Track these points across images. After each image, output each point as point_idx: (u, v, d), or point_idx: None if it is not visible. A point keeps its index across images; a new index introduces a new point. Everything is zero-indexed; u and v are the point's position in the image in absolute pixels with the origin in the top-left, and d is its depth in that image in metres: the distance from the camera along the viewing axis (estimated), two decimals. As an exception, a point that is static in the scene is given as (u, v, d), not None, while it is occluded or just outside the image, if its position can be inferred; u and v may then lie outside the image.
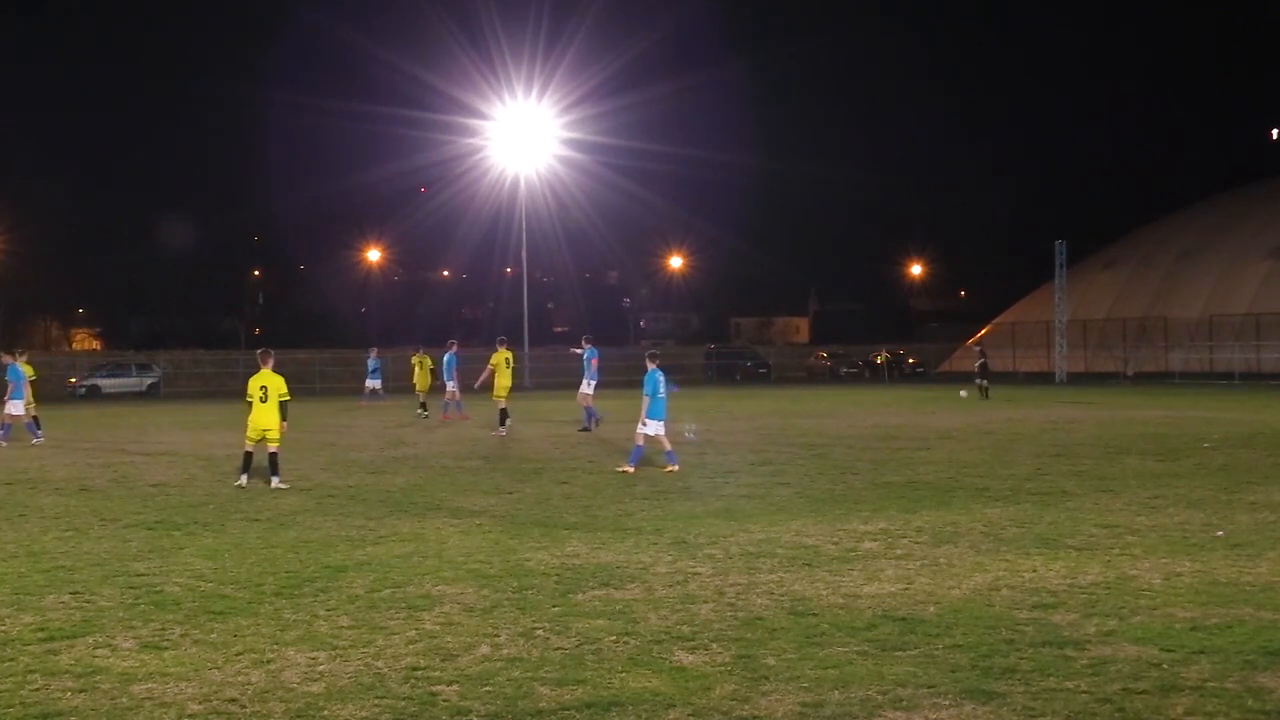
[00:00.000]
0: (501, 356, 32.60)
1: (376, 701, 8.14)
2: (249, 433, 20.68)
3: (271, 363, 20.99)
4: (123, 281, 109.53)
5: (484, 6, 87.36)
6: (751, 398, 55.39)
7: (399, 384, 48.43)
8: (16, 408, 30.32)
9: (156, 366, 72.59)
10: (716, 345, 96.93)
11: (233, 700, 8.19)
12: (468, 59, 74.33)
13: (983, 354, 53.51)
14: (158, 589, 11.76)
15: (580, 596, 11.28)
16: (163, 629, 10.14)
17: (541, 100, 70.80)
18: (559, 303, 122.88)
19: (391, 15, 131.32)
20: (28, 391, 30.77)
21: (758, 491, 19.12)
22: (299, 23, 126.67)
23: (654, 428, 21.97)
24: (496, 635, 9.85)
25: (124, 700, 8.22)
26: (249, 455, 20.92)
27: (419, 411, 40.55)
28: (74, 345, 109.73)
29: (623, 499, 18.30)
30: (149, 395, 66.08)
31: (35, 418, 30.92)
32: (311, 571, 12.60)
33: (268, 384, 20.53)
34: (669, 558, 13.26)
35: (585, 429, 31.78)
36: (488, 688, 8.41)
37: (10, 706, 8.10)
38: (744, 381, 79.81)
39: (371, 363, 47.28)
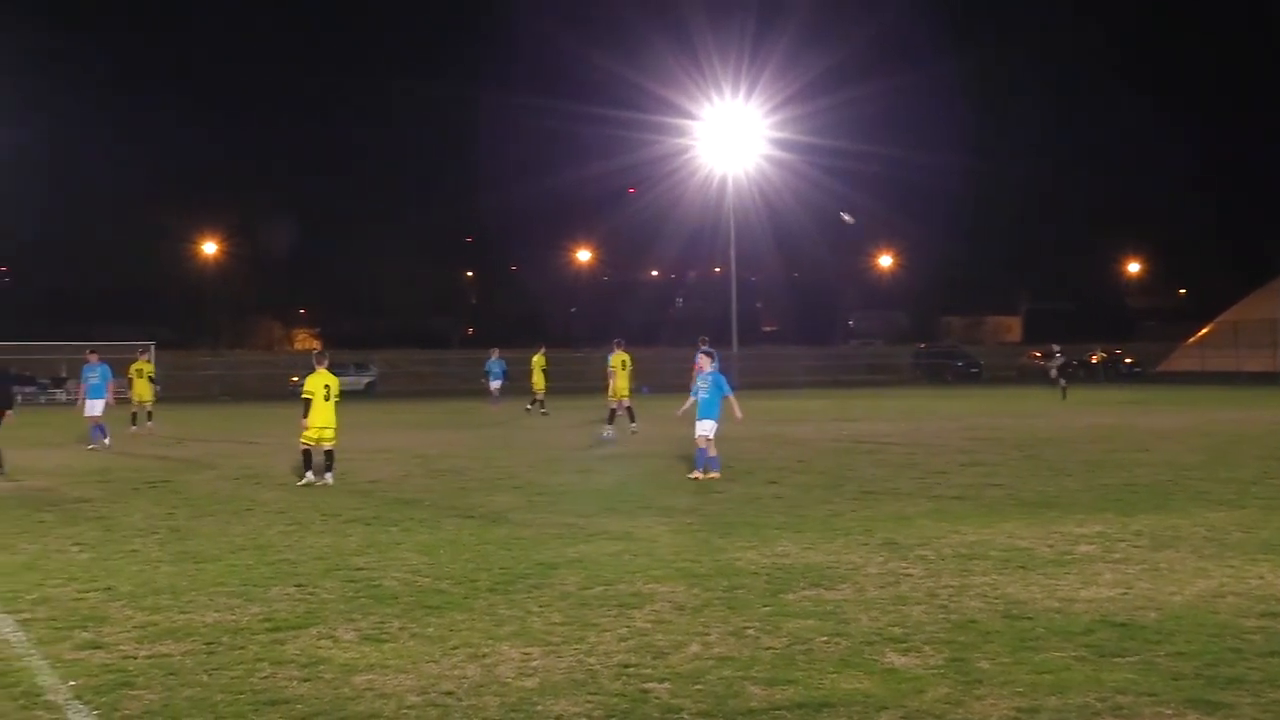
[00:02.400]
0: (619, 359, 32.77)
1: (589, 698, 8.22)
2: (308, 432, 21.18)
3: (327, 363, 21.75)
4: (340, 282, 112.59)
5: (692, 6, 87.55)
6: (961, 398, 54.52)
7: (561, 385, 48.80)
8: (95, 408, 30.58)
9: (373, 366, 74.43)
10: (926, 345, 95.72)
11: (449, 693, 8.36)
12: (676, 59, 74.50)
13: (1060, 354, 52.12)
14: (376, 583, 12.07)
15: (790, 596, 11.24)
16: (382, 622, 10.40)
17: (749, 100, 70.74)
18: (767, 302, 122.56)
19: (601, 15, 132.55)
20: (110, 392, 31.39)
21: (969, 493, 18.83)
22: (508, 23, 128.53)
23: (707, 428, 21.38)
24: (707, 634, 9.88)
25: (346, 690, 8.45)
26: (308, 454, 21.35)
27: (528, 408, 41.19)
28: (295, 345, 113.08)
29: (831, 499, 18.19)
30: (366, 394, 67.82)
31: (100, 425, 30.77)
32: (524, 568, 12.79)
33: (330, 383, 21.24)
34: (879, 558, 13.13)
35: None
36: (699, 686, 8.43)
37: (241, 693, 8.39)
38: (954, 381, 78.66)
39: (492, 364, 47.55)
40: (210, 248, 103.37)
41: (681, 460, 24.03)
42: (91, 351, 32.17)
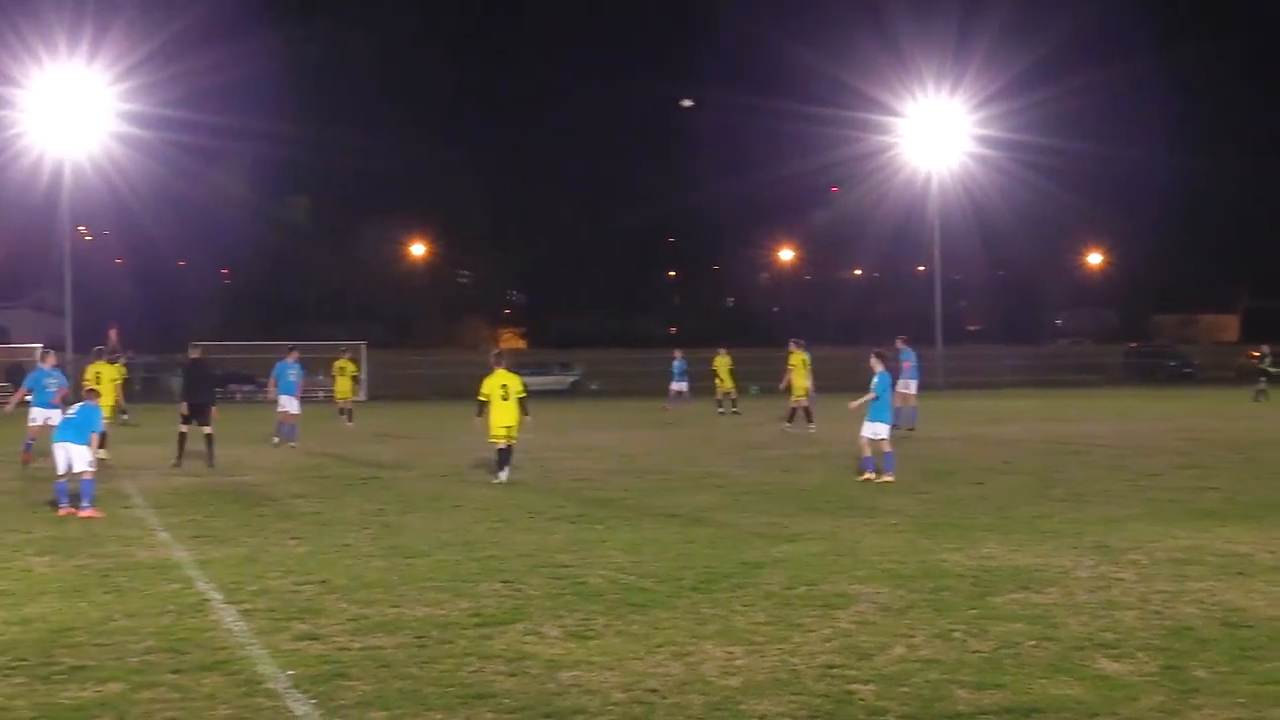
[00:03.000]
0: (799, 358, 32.51)
1: (792, 698, 8.21)
2: (493, 431, 21.48)
3: (505, 364, 22.14)
4: (544, 282, 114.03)
5: (896, 1, 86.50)
6: (1174, 398, 52.90)
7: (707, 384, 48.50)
8: (292, 405, 30.89)
9: (577, 365, 75.09)
10: (1138, 344, 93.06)
11: (654, 690, 8.42)
12: (880, 55, 73.58)
13: (1270, 353, 49.43)
14: (581, 580, 12.20)
15: (997, 599, 11.06)
16: (587, 619, 10.51)
17: (953, 96, 69.66)
18: (971, 301, 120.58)
19: (806, 11, 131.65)
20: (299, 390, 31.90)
21: (1183, 496, 18.29)
22: (713, 20, 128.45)
23: (872, 430, 20.85)
24: (912, 636, 9.78)
25: (551, 686, 8.57)
26: (502, 452, 21.53)
27: (720, 410, 41.07)
28: (500, 344, 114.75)
29: (1038, 501, 17.84)
30: (571, 393, 68.45)
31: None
32: (728, 567, 12.80)
33: (507, 383, 21.55)
34: (1089, 562, 12.84)
35: (910, 428, 31.23)
36: (904, 688, 8.36)
37: (450, 686, 8.57)
38: (1166, 382, 76.37)
39: (678, 364, 47.33)
40: (419, 249, 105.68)
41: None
42: (292, 350, 32.95)
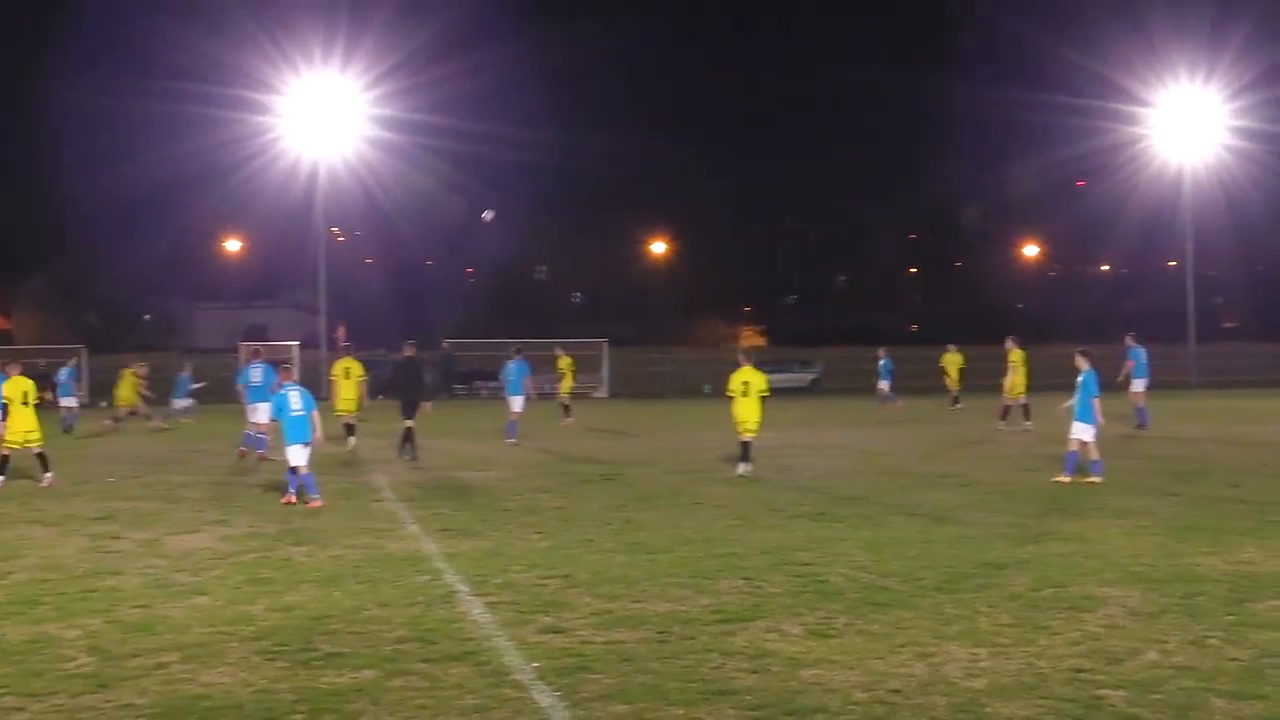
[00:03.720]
0: (1018, 355, 31.96)
1: (1039, 701, 8.04)
2: (739, 426, 21.95)
3: (751, 361, 22.59)
4: (782, 279, 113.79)
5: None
6: None
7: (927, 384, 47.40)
8: (516, 404, 31.40)
9: (817, 363, 74.71)
10: None
11: (896, 691, 8.35)
12: (1130, 42, 71.25)
13: None
14: (822, 578, 12.15)
15: (1257, 606, 10.65)
16: (828, 617, 10.46)
17: (1207, 85, 67.14)
18: (1227, 298, 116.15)
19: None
20: (529, 389, 32.19)
21: None
22: (956, 7, 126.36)
23: (1081, 431, 20.23)
24: (1165, 641, 9.48)
25: (793, 683, 8.56)
26: (745, 445, 21.93)
27: (955, 407, 40.25)
28: (741, 342, 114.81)
29: (1301, 504, 17.12)
30: (810, 391, 68.15)
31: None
32: (970, 567, 12.60)
33: (749, 380, 21.99)
34: (1356, 569, 12.28)
35: (1139, 426, 30.19)
36: (1156, 695, 8.11)
37: (691, 681, 8.63)
38: None
39: (884, 364, 46.32)
40: (659, 247, 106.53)
41: (1130, 461, 23.17)
42: (518, 350, 33.53)
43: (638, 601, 11.19)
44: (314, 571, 12.85)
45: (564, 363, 38.53)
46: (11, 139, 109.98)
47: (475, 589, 11.83)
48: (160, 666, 9.21)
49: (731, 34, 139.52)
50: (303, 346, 60.03)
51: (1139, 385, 31.11)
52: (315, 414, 18.97)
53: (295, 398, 19.04)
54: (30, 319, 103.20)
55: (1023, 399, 31.75)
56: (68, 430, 34.07)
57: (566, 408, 37.69)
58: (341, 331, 51.70)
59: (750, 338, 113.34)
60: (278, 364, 23.21)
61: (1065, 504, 17.45)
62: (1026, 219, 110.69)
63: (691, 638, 9.84)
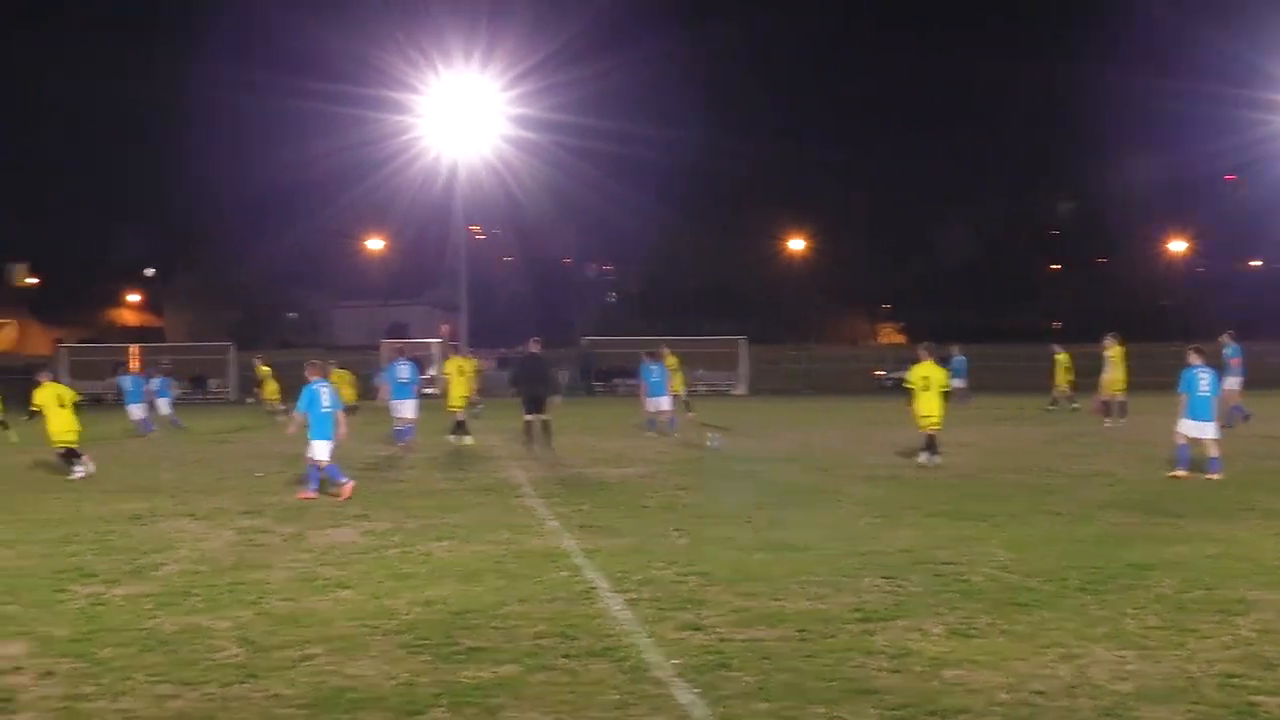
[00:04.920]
0: (1117, 351, 32.51)
1: (1190, 707, 7.87)
2: (921, 419, 22.60)
3: (932, 357, 23.19)
4: (919, 276, 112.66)
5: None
6: None
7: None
8: (659, 404, 31.77)
9: (955, 359, 73.70)
10: None
11: (1040, 693, 8.22)
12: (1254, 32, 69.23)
13: None
14: (964, 578, 12.01)
15: None
16: (969, 617, 10.34)
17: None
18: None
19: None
20: (670, 384, 32.27)
21: None
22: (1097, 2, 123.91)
23: (1191, 428, 19.92)
24: (1321, 648, 9.23)
25: (935, 684, 8.47)
26: (931, 438, 22.54)
27: (1049, 408, 39.42)
28: (879, 339, 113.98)
29: None
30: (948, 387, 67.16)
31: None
32: (1116, 568, 12.36)
33: (929, 375, 22.73)
34: None
35: (1228, 426, 29.56)
36: (1314, 702, 7.90)
37: (832, 680, 8.58)
38: None
39: (957, 361, 45.35)
40: (798, 244, 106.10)
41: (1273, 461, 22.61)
42: (649, 353, 33.68)
43: (777, 599, 11.15)
44: (455, 567, 13.00)
45: (671, 361, 38.23)
46: (159, 139, 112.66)
47: (615, 585, 11.87)
48: (307, 658, 9.38)
49: (869, 31, 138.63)
50: (457, 345, 60.78)
51: (1234, 384, 30.42)
52: (341, 413, 19.70)
53: (326, 394, 19.54)
54: (180, 317, 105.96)
55: (1120, 395, 31.84)
56: (146, 433, 34.72)
57: (686, 404, 37.63)
58: (448, 330, 52.29)
59: (889, 334, 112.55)
60: (418, 360, 24.01)
61: (1214, 505, 17.03)
62: (1173, 214, 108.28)
63: (831, 636, 9.78)
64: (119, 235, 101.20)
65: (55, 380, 23.91)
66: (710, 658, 9.22)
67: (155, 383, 38.27)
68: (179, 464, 25.46)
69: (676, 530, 15.38)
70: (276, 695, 8.48)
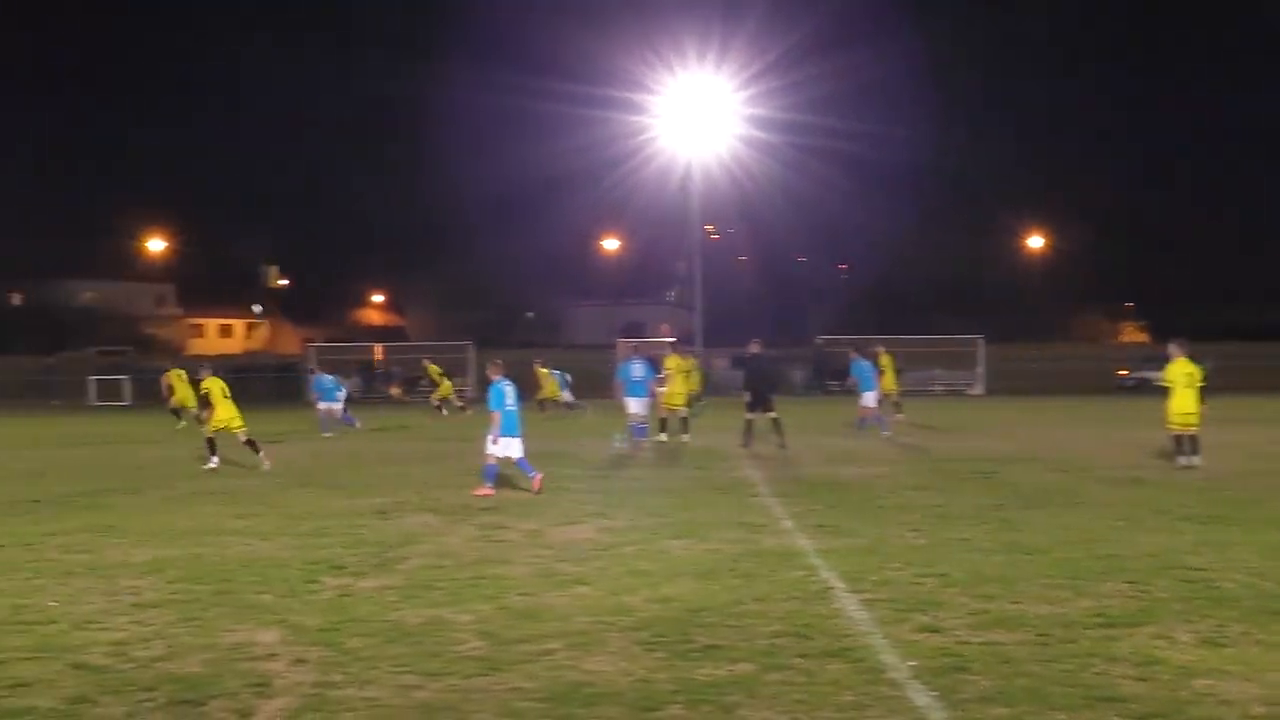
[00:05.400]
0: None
1: None
2: (1179, 418, 22.15)
3: (1184, 352, 22.56)
4: (1167, 274, 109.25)
5: None
6: None
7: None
8: (869, 400, 30.91)
9: (1207, 359, 71.27)
10: None
11: (1304, 704, 7.92)
12: None
13: None
14: (1214, 584, 11.59)
15: None
16: (1221, 625, 9.98)
17: None
18: None
19: None
20: (880, 382, 31.71)
21: None
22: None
23: None
24: None
25: (1183, 693, 8.21)
26: (1193, 439, 22.09)
27: None
28: (1122, 338, 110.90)
29: None
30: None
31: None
32: (1379, 576, 11.81)
33: (1192, 372, 22.23)
34: None
35: None
36: None
37: (1073, 686, 8.38)
38: None
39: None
40: (1035, 242, 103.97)
41: None
42: (857, 350, 33.36)
43: (1016, 602, 10.93)
44: (691, 564, 13.06)
45: (884, 360, 37.49)
46: (404, 141, 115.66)
47: (850, 586, 11.78)
48: (546, 653, 9.52)
49: (1096, 28, 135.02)
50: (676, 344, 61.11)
51: None
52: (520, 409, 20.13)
53: (511, 392, 19.81)
54: (423, 316, 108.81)
55: None
56: (329, 431, 35.88)
57: (896, 404, 36.91)
58: (666, 329, 52.45)
59: (1131, 333, 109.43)
60: (652, 360, 24.42)
61: None
62: None
63: (1072, 641, 9.55)
64: (364, 236, 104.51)
65: (215, 375, 25.81)
66: (947, 660, 9.09)
67: (328, 380, 39.67)
68: (424, 461, 26.15)
69: (913, 531, 15.19)
70: (517, 689, 8.62)
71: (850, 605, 10.97)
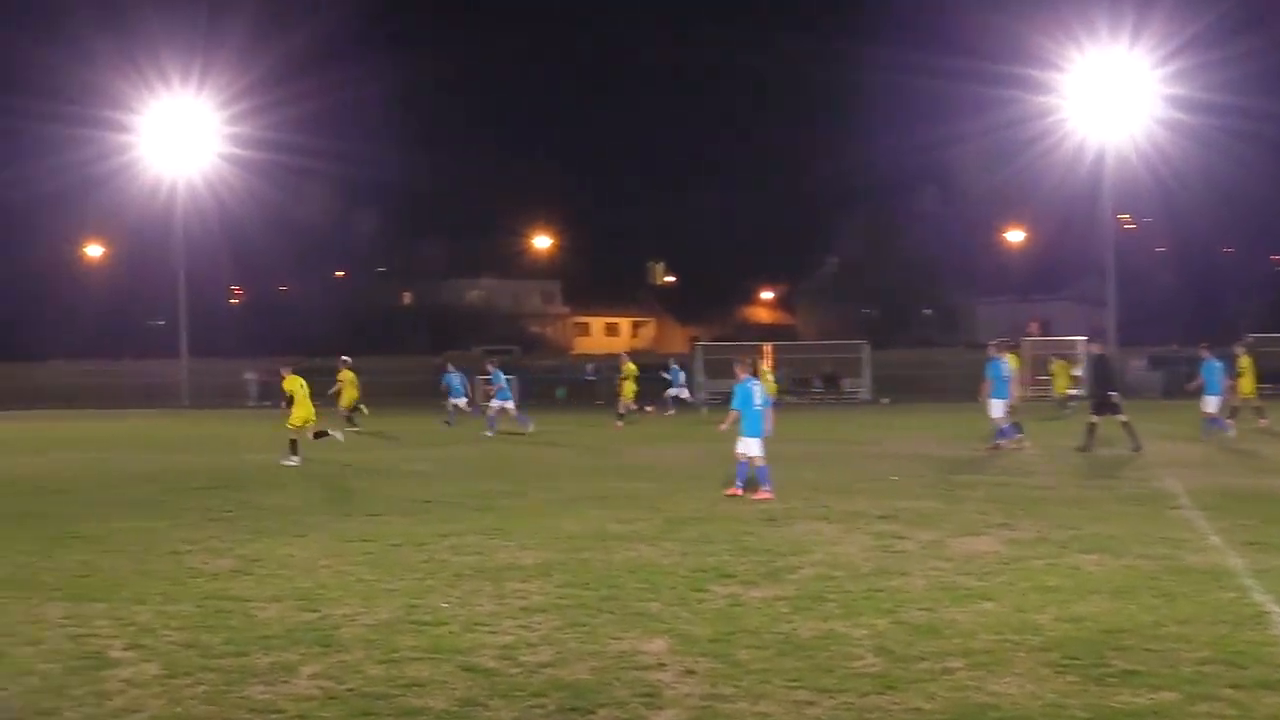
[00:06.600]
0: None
1: None
2: None
3: None
4: None
5: None
6: None
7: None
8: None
9: None
10: None
11: None
12: None
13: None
14: None
15: None
16: None
17: None
18: None
19: None
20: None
21: None
22: None
23: None
24: None
25: None
26: None
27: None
28: None
29: None
30: None
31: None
32: None
33: None
34: None
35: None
36: None
37: None
38: None
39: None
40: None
41: None
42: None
43: None
44: (1105, 582, 12.22)
45: (1244, 361, 33.63)
46: (793, 130, 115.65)
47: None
48: (946, 672, 9.05)
49: None
50: (1088, 341, 58.67)
51: None
52: (770, 410, 20.19)
53: (758, 392, 19.80)
54: (812, 314, 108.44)
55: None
56: (450, 424, 38.54)
57: (1258, 409, 33.59)
58: (1036, 328, 50.20)
59: None
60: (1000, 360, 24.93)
61: None
62: None
63: None
64: (754, 231, 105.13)
65: (295, 373, 26.93)
66: None
67: (456, 378, 41.85)
68: (816, 463, 25.75)
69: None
70: (916, 709, 8.23)
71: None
